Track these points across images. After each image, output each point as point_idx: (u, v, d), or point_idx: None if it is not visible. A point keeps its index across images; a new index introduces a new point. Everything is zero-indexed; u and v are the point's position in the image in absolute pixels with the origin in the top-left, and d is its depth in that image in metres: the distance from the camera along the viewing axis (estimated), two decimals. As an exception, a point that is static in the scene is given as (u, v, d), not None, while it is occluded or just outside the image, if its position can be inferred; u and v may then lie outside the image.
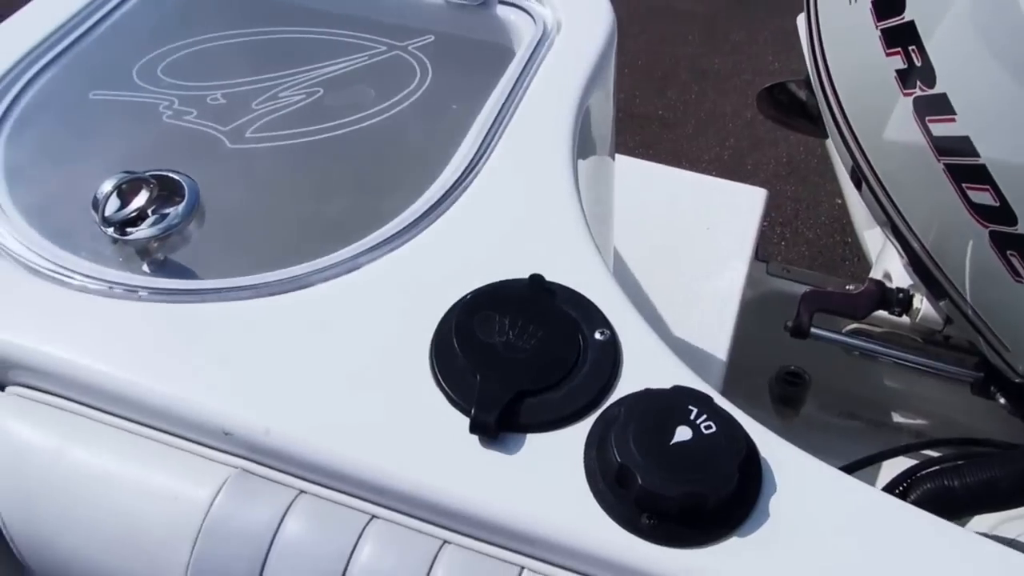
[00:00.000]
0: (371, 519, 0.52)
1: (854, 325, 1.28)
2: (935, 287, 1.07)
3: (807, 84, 1.76)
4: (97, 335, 0.58)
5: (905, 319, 1.23)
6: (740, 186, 1.34)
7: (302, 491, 0.53)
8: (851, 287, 1.25)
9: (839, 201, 2.48)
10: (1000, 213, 0.87)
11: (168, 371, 0.56)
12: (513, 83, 0.74)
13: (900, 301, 1.21)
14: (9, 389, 0.60)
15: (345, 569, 0.50)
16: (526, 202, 0.65)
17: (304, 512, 0.52)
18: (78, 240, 0.65)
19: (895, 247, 1.17)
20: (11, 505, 0.57)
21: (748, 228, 1.27)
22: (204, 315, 0.59)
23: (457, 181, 0.66)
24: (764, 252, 1.41)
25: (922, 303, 1.20)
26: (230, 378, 0.56)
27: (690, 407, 0.49)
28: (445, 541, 0.51)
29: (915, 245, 1.05)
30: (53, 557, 0.57)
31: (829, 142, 1.60)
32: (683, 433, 0.48)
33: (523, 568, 0.49)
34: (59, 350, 0.57)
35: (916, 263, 1.08)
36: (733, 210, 1.30)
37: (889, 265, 1.32)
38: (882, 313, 1.24)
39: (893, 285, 1.25)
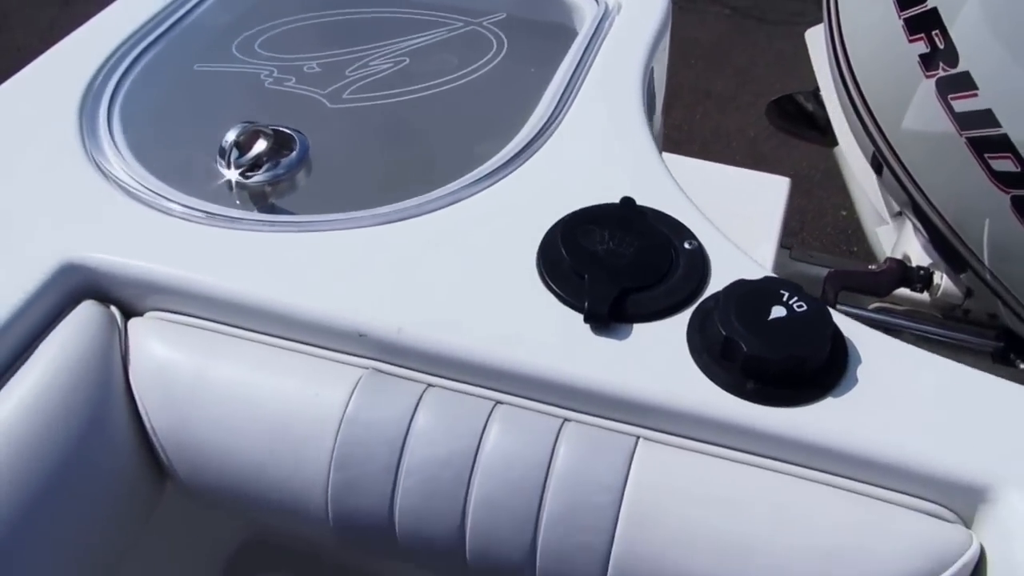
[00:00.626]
0: (495, 405, 0.58)
1: (877, 303, 1.35)
2: (956, 261, 1.15)
3: (814, 96, 1.85)
4: (233, 262, 0.65)
5: (925, 296, 1.30)
6: (764, 175, 1.41)
7: (429, 385, 0.60)
8: (873, 267, 1.32)
9: (843, 213, 2.56)
10: (1021, 178, 0.95)
11: (304, 288, 0.63)
12: (584, 49, 0.82)
13: (921, 278, 1.27)
14: (148, 315, 0.66)
15: (477, 449, 0.57)
16: (607, 141, 0.73)
17: (433, 402, 0.59)
18: (197, 186, 0.72)
19: (916, 227, 1.25)
20: (160, 415, 0.63)
21: (774, 214, 1.34)
22: (329, 242, 0.66)
23: (544, 126, 0.74)
24: (786, 242, 1.47)
25: (942, 279, 1.27)
26: (360, 289, 0.62)
27: (782, 291, 0.56)
28: (565, 419, 0.57)
29: (936, 221, 1.12)
30: (201, 459, 0.62)
31: (838, 149, 1.69)
32: (778, 311, 0.55)
33: (639, 438, 0.56)
34: (202, 275, 0.64)
35: (937, 240, 1.15)
36: (758, 198, 1.36)
37: (908, 248, 1.39)
38: (904, 291, 1.31)
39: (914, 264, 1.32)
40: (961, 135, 0.99)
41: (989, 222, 1.04)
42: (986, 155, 0.98)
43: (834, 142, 1.68)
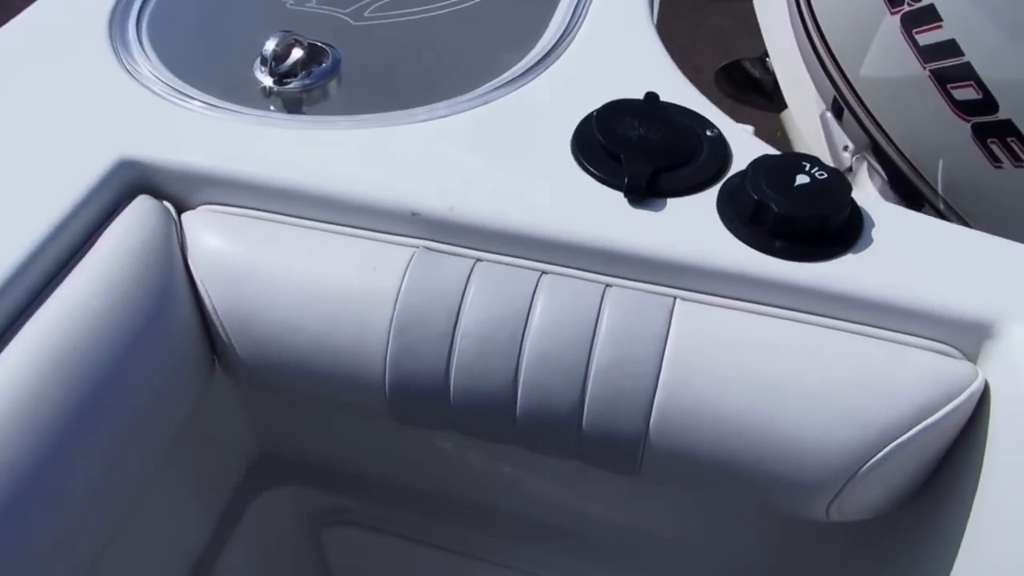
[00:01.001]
0: (541, 275, 0.63)
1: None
2: (913, 198, 1.22)
3: (761, 62, 1.93)
4: (282, 155, 0.67)
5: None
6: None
7: (478, 260, 0.64)
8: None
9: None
10: (982, 104, 1.02)
11: (353, 174, 0.66)
12: None
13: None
14: (200, 208, 0.69)
15: (528, 312, 0.61)
16: (623, 47, 0.78)
17: (484, 273, 0.62)
18: (232, 93, 0.75)
19: (874, 169, 1.32)
20: (221, 296, 0.64)
21: None
22: (372, 137, 0.69)
23: (562, 35, 0.78)
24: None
25: (898, 219, 1.34)
26: (408, 175, 0.66)
27: (803, 163, 0.61)
28: (607, 285, 0.62)
29: (896, 159, 1.20)
30: (261, 335, 0.64)
31: (786, 113, 1.76)
32: (802, 179, 0.60)
33: (676, 298, 0.61)
34: (254, 167, 0.66)
35: (896, 178, 1.23)
36: None
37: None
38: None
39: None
40: (925, 68, 1.06)
41: (949, 153, 1.11)
42: (948, 86, 1.05)
43: (781, 106, 1.75)
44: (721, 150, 0.65)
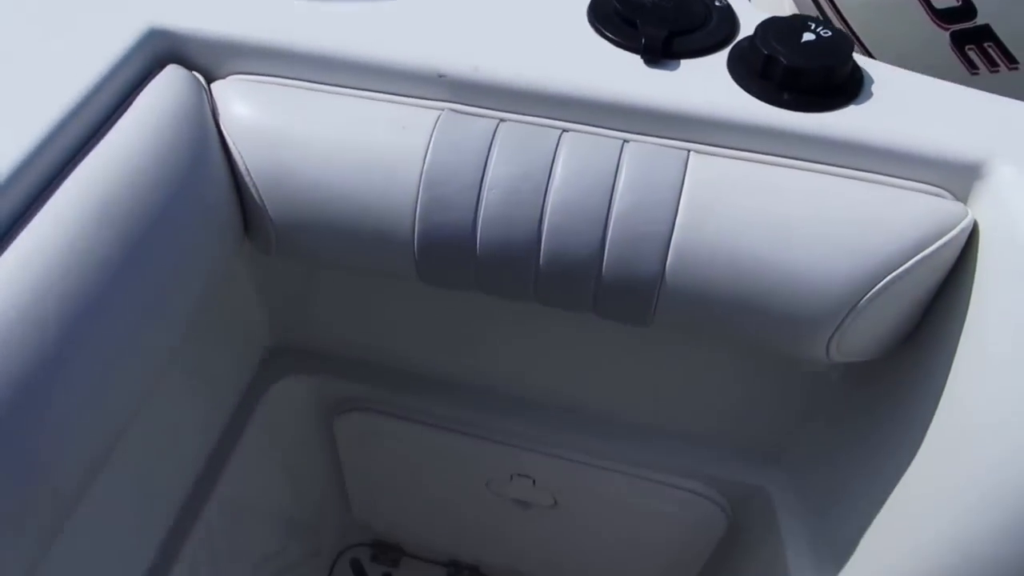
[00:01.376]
0: (562, 132, 0.66)
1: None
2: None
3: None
4: (309, 25, 0.69)
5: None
6: None
7: (502, 119, 0.68)
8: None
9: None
10: (960, 11, 1.07)
11: (379, 40, 0.69)
12: None
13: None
14: (229, 77, 0.71)
15: (551, 164, 0.65)
16: None
17: (508, 132, 0.66)
18: None
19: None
20: (254, 156, 0.67)
21: None
22: (392, 10, 0.72)
23: None
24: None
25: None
26: (433, 40, 0.69)
27: (809, 23, 0.66)
28: (625, 140, 0.66)
29: (876, 74, 1.24)
30: (294, 191, 0.67)
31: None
32: (808, 36, 0.64)
33: (690, 151, 0.65)
34: (282, 34, 0.68)
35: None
36: None
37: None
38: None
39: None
40: (906, -23, 1.10)
41: (928, 65, 1.15)
42: (928, -7, 1.09)
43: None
44: (729, 17, 0.69)
